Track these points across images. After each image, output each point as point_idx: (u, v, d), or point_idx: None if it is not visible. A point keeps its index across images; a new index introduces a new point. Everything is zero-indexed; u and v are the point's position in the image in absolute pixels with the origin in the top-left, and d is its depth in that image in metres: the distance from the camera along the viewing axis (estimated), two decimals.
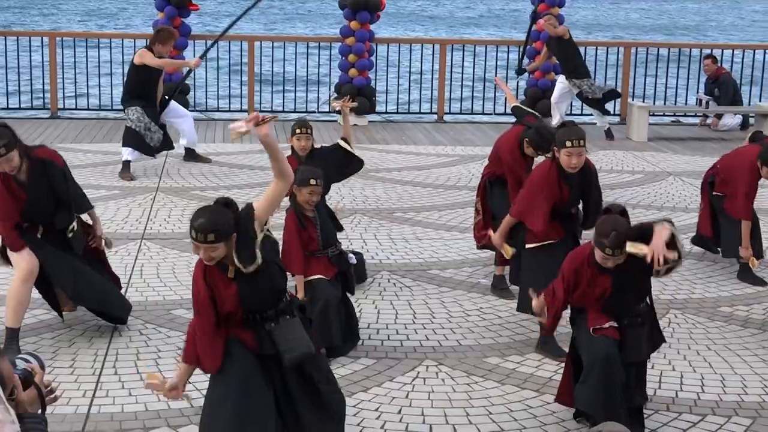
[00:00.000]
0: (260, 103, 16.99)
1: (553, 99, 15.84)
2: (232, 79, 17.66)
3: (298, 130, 8.53)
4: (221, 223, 5.09)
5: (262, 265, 5.18)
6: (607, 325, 5.98)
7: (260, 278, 5.22)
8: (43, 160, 7.19)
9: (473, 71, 17.73)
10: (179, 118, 13.01)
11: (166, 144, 12.55)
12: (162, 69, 12.51)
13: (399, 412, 6.35)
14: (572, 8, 51.06)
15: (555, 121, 15.72)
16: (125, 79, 12.96)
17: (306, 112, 17.59)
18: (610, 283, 5.93)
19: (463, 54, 17.87)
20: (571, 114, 16.41)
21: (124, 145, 12.36)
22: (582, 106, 16.42)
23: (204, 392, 5.44)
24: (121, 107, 13.18)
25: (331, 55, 17.11)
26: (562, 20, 16.35)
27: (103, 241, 7.68)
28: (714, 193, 9.40)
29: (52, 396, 3.94)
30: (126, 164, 12.23)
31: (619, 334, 5.98)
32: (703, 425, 6.27)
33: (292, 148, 8.52)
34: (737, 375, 7.03)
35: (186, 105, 13.84)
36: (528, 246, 7.43)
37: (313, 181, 7.31)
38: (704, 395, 6.70)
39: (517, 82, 17.46)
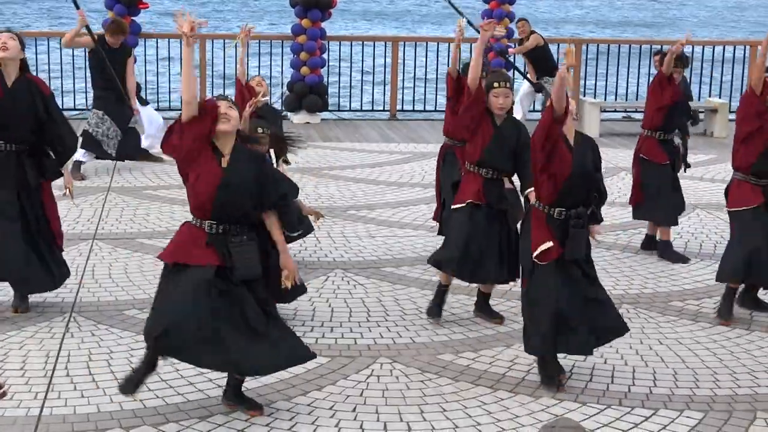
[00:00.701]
0: None
1: (517, 97, 15.87)
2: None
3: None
4: None
5: (255, 170, 5.87)
6: (549, 244, 6.51)
7: (245, 185, 5.81)
8: (30, 80, 7.55)
9: (425, 68, 17.73)
10: (146, 120, 12.92)
11: (132, 150, 12.45)
12: (116, 49, 12.43)
13: (354, 410, 6.34)
14: (522, 4, 51.18)
15: (518, 118, 15.79)
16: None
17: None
18: (570, 161, 6.55)
19: (416, 51, 17.86)
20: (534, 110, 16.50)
21: (81, 147, 12.26)
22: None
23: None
24: (68, 107, 13.10)
25: (282, 53, 17.07)
26: (513, 18, 16.42)
27: (68, 191, 7.85)
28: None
29: (1, 391, 3.91)
30: (77, 164, 12.13)
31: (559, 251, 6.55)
32: (655, 419, 6.31)
33: None
34: (689, 369, 7.08)
35: (144, 102, 13.78)
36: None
37: None
38: (656, 389, 6.74)
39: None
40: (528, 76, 15.65)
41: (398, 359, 7.15)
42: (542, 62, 15.68)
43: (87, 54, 12.49)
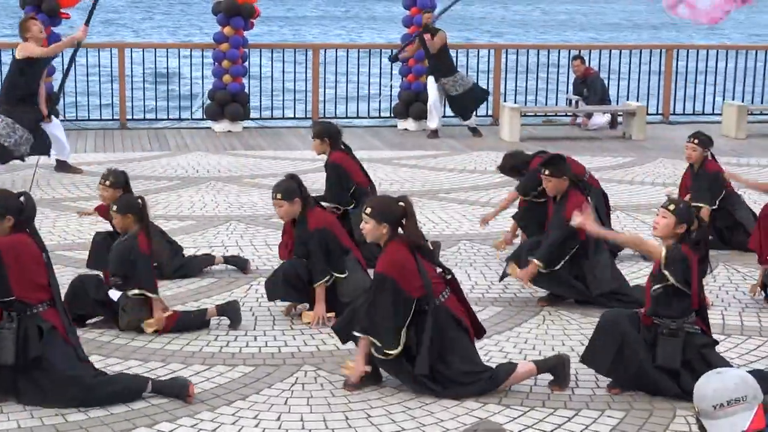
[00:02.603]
0: (133, 112, 16.79)
1: (429, 102, 15.93)
2: (103, 88, 17.41)
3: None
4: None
5: None
6: None
7: None
8: None
9: (347, 75, 17.76)
10: (51, 127, 12.74)
11: (41, 149, 12.27)
12: (50, 57, 12.24)
13: (278, 418, 6.32)
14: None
15: (435, 124, 15.88)
16: (4, 79, 12.66)
17: (179, 119, 17.40)
18: None
19: (336, 58, 17.88)
20: (445, 116, 16.59)
21: None
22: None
23: None
24: None
25: (203, 61, 17.00)
26: (434, 22, 16.49)
27: None
28: None
29: None
30: None
31: None
32: (577, 420, 6.37)
33: None
34: None
35: (56, 114, 13.60)
36: None
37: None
38: (578, 390, 6.81)
39: (390, 86, 17.56)
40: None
41: (323, 366, 7.14)
42: (439, 64, 15.69)
43: (18, 61, 12.10)
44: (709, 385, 3.75)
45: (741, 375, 3.78)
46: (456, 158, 14.46)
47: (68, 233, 10.35)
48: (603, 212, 9.57)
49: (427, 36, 15.57)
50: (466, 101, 15.79)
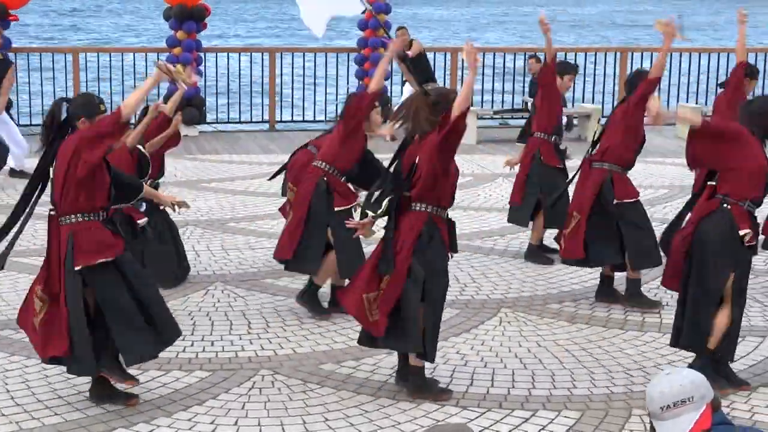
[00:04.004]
0: None
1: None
2: (57, 94, 17.25)
3: None
4: None
5: None
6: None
7: None
8: None
9: (303, 79, 17.76)
10: (7, 132, 12.65)
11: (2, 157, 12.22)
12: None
13: (235, 423, 6.30)
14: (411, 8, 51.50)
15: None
16: None
17: (133, 124, 17.27)
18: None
19: (293, 61, 17.88)
20: None
21: None
22: None
23: None
24: None
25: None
26: (389, 27, 16.53)
27: None
28: None
29: None
30: None
31: None
32: (534, 420, 6.41)
33: None
34: (566, 370, 7.21)
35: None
36: None
37: None
38: (535, 391, 6.85)
39: (347, 89, 17.56)
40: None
41: (280, 370, 7.13)
42: (424, 70, 15.76)
43: None
44: (657, 387, 3.78)
45: (689, 376, 3.80)
46: None
47: (23, 239, 10.22)
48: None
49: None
50: None
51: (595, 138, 8.78)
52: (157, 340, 6.36)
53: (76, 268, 6.18)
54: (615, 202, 8.47)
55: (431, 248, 6.54)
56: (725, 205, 6.67)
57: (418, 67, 15.71)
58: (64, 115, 6.38)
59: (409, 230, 6.53)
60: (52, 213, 6.38)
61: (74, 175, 6.14)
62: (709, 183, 6.86)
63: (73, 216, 6.26)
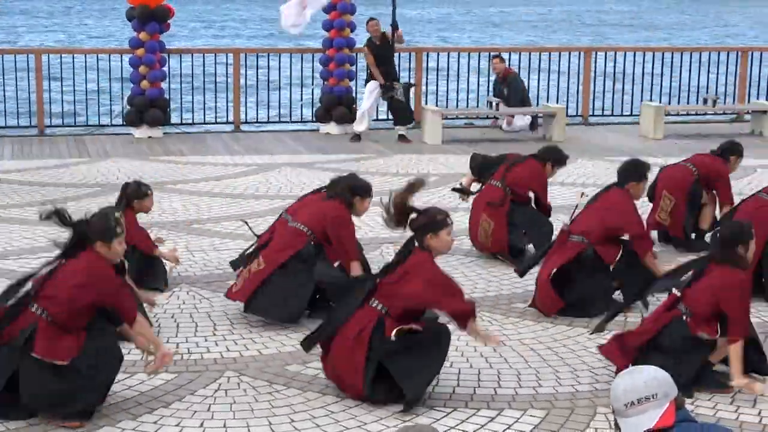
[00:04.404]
0: (50, 117, 16.61)
1: (365, 106, 15.94)
2: (19, 96, 17.14)
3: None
4: None
5: None
6: None
7: None
8: None
9: (268, 79, 17.73)
10: None
11: None
12: None
13: (201, 425, 6.29)
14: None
15: (362, 128, 15.91)
16: None
17: (98, 125, 17.23)
18: None
19: (257, 62, 17.83)
20: (377, 119, 16.65)
21: None
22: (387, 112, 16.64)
23: None
24: None
25: (122, 66, 16.87)
26: (354, 27, 16.54)
27: None
28: None
29: None
30: None
31: None
32: (500, 419, 6.43)
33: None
34: (532, 368, 7.23)
35: None
36: None
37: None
38: (501, 390, 6.87)
39: (312, 90, 17.57)
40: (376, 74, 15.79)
41: (246, 372, 7.12)
42: (388, 65, 15.79)
43: None
44: (621, 385, 3.81)
45: (653, 373, 3.83)
46: (379, 161, 14.49)
47: None
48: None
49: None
50: (407, 109, 16.03)
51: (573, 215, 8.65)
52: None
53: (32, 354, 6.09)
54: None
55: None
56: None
57: (380, 59, 15.73)
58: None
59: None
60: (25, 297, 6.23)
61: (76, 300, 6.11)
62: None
63: (46, 314, 6.16)
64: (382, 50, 15.79)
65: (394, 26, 15.85)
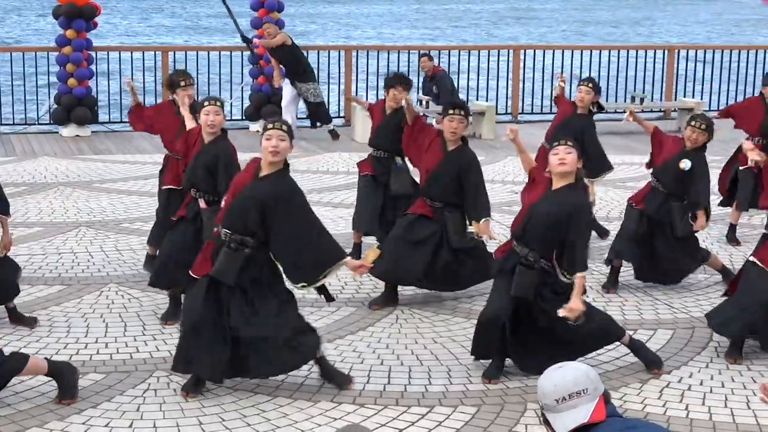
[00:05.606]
0: None
1: (283, 103, 15.97)
2: None
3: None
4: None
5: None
6: None
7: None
8: None
9: (197, 77, 17.59)
10: None
11: None
12: None
13: (130, 426, 6.24)
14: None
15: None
16: None
17: (25, 124, 16.99)
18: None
19: (186, 59, 17.71)
20: (299, 118, 16.58)
21: None
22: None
23: None
24: None
25: (48, 65, 16.67)
26: (282, 25, 16.48)
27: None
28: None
29: None
30: None
31: None
32: (431, 416, 6.45)
33: None
34: (462, 366, 7.27)
35: None
36: None
37: None
38: (432, 387, 6.90)
39: (242, 86, 17.48)
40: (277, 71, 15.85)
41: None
42: (291, 65, 15.79)
43: None
44: (550, 381, 3.83)
45: (582, 368, 3.87)
46: (308, 159, 14.47)
47: None
48: None
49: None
50: (322, 111, 16.08)
51: None
52: None
53: None
54: None
55: None
56: None
57: (283, 60, 15.76)
58: None
59: None
60: None
61: None
62: None
63: None
64: (280, 54, 15.81)
65: (246, 40, 16.09)
